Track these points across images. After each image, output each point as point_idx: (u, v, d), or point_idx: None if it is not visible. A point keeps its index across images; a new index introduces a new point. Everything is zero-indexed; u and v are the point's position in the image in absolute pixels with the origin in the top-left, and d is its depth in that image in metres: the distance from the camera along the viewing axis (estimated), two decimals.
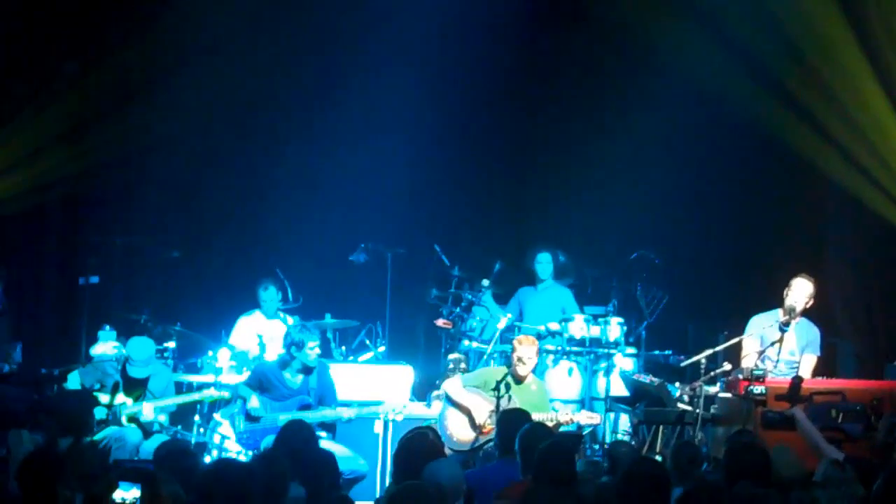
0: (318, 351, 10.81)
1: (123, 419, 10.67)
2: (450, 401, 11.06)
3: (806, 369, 10.83)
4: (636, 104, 13.67)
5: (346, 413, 10.59)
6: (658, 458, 9.99)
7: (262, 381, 10.84)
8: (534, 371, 11.59)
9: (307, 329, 10.97)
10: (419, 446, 7.44)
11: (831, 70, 12.50)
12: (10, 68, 12.44)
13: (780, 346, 10.84)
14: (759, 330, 10.95)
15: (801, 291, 10.89)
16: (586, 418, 11.08)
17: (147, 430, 10.77)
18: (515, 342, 11.08)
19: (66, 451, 6.70)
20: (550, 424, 10.16)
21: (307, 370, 10.78)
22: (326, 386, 10.86)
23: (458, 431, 10.89)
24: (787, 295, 10.90)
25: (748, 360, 10.80)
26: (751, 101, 13.13)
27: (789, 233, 13.51)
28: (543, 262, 13.09)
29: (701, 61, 13.19)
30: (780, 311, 10.94)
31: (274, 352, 12.09)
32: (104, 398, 10.66)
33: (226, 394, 11.03)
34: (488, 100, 14.40)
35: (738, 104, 13.32)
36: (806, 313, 11.02)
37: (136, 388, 10.88)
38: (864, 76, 12.31)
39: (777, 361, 10.86)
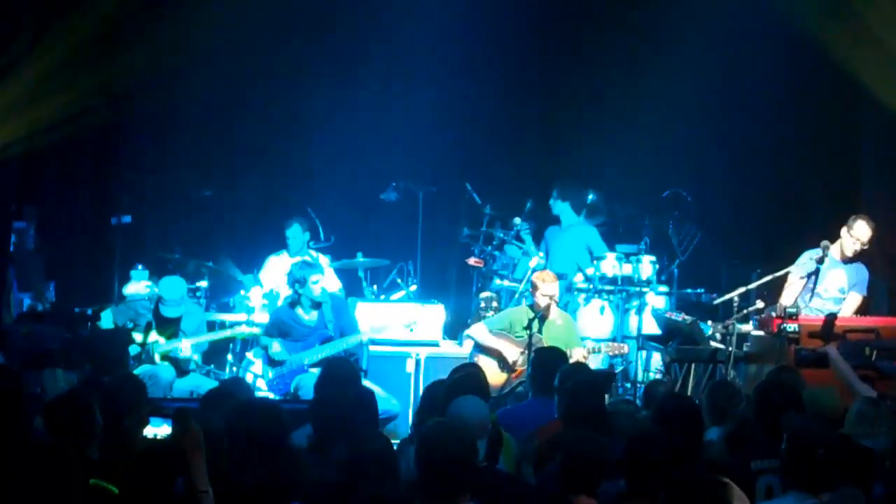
0: (321, 285, 10.84)
1: (156, 357, 10.73)
2: (477, 346, 11.04)
3: (850, 306, 10.78)
4: (668, 40, 13.53)
5: (366, 336, 10.64)
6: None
7: (280, 326, 10.89)
8: (566, 309, 11.60)
9: (308, 265, 11.01)
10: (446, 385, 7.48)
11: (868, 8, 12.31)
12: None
13: (815, 278, 10.77)
14: (807, 265, 10.86)
15: (861, 233, 10.79)
16: (615, 349, 11.07)
17: (181, 368, 10.83)
18: (537, 280, 11.04)
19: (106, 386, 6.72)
20: (578, 358, 10.18)
21: (315, 305, 10.82)
22: (344, 316, 10.91)
23: (489, 376, 10.89)
24: (843, 233, 10.79)
25: (790, 292, 10.73)
26: (784, 34, 13.00)
27: (823, 169, 13.38)
28: (551, 199, 13.00)
29: (734, 3, 13.09)
30: (834, 248, 10.83)
31: None
32: (137, 337, 10.71)
33: (256, 330, 11.09)
34: (519, 37, 14.28)
35: (770, 39, 13.20)
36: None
37: (169, 327, 10.92)
38: None
39: (810, 298, 10.79)
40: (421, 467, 5.54)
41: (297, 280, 10.85)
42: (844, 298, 10.89)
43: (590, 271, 12.38)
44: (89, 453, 5.91)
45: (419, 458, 5.56)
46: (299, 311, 10.89)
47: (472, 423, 6.52)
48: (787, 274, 10.93)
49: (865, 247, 10.85)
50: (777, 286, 11.03)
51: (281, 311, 11.13)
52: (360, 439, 5.97)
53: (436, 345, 11.73)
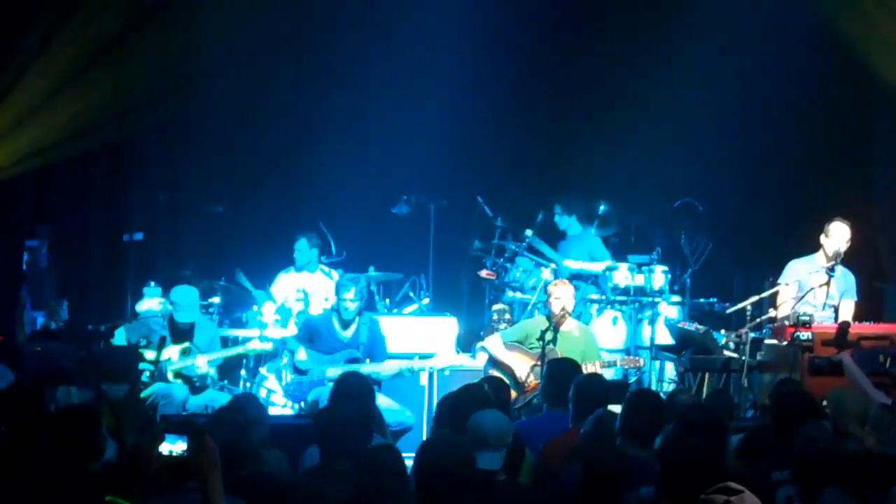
0: (353, 305, 10.80)
1: (169, 375, 10.72)
2: (491, 358, 11.03)
3: (847, 314, 10.77)
4: (679, 50, 13.54)
5: (391, 368, 10.61)
6: None
7: (312, 334, 10.88)
8: (578, 319, 11.58)
9: (343, 282, 11.02)
10: (470, 396, 7.46)
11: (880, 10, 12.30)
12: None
13: (827, 289, 10.77)
14: (798, 276, 10.88)
15: (840, 235, 10.82)
16: (630, 363, 11.06)
17: (195, 385, 10.81)
18: (550, 287, 11.05)
19: (115, 404, 6.73)
20: (592, 369, 10.17)
21: (343, 323, 10.82)
22: (377, 341, 10.89)
23: None
24: (825, 241, 10.82)
25: (785, 308, 10.74)
26: (795, 44, 13.01)
27: (835, 177, 13.36)
28: (556, 215, 13.01)
29: (745, 8, 13.10)
30: (818, 256, 10.87)
31: (317, 305, 12.12)
32: (150, 354, 10.69)
33: (269, 345, 11.08)
34: (529, 48, 14.29)
35: (781, 47, 13.20)
36: (851, 258, 10.94)
37: (182, 338, 10.91)
38: None
39: (823, 306, 10.78)
40: (416, 480, 5.58)
41: (337, 294, 10.91)
42: (834, 306, 10.88)
43: (592, 266, 12.41)
44: (92, 467, 5.92)
45: (414, 472, 5.60)
46: (335, 323, 10.89)
47: (492, 435, 6.52)
48: (782, 287, 10.95)
49: (847, 245, 10.84)
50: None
51: (318, 319, 11.13)
52: (369, 453, 5.96)
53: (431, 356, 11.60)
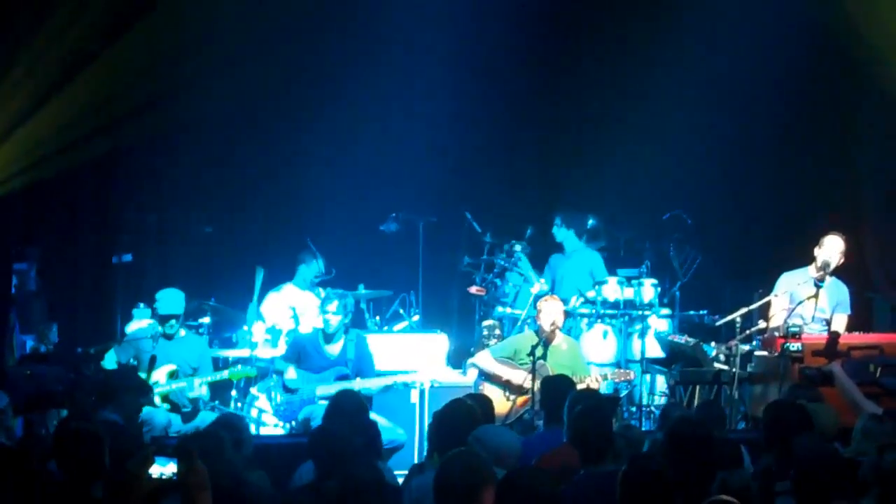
0: (336, 319, 10.78)
1: (157, 399, 10.63)
2: (482, 374, 11.04)
3: (839, 328, 10.78)
4: (665, 64, 13.57)
5: (381, 383, 10.60)
6: None
7: (301, 353, 10.87)
8: (569, 334, 11.59)
9: (327, 295, 11.00)
10: (459, 414, 7.44)
11: (869, 19, 12.33)
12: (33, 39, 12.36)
13: (815, 301, 10.79)
14: (790, 288, 10.90)
15: (833, 248, 10.86)
16: (621, 376, 11.06)
17: (181, 411, 10.71)
18: (540, 304, 11.07)
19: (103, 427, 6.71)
20: (583, 386, 10.17)
21: (327, 337, 10.81)
22: (364, 357, 10.88)
23: (495, 404, 10.86)
24: (818, 252, 10.85)
25: (776, 319, 10.76)
26: (781, 55, 13.05)
27: (823, 189, 13.40)
28: (555, 227, 13.01)
29: (730, 16, 13.13)
30: (810, 269, 10.90)
31: (307, 324, 12.11)
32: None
33: (252, 371, 11.03)
34: (517, 64, 14.32)
35: (767, 60, 13.23)
36: (840, 270, 10.96)
37: (170, 352, 10.80)
38: None
39: (812, 319, 10.80)
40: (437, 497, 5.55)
41: (321, 306, 10.89)
42: (825, 319, 10.90)
43: (590, 294, 12.38)
44: (94, 492, 5.91)
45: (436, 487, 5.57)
46: (323, 343, 10.88)
47: (505, 451, 6.53)
48: (773, 299, 10.97)
49: (841, 259, 10.87)
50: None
51: (305, 338, 11.11)
52: (353, 472, 5.95)
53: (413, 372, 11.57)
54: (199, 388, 10.67)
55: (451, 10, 13.77)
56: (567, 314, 11.60)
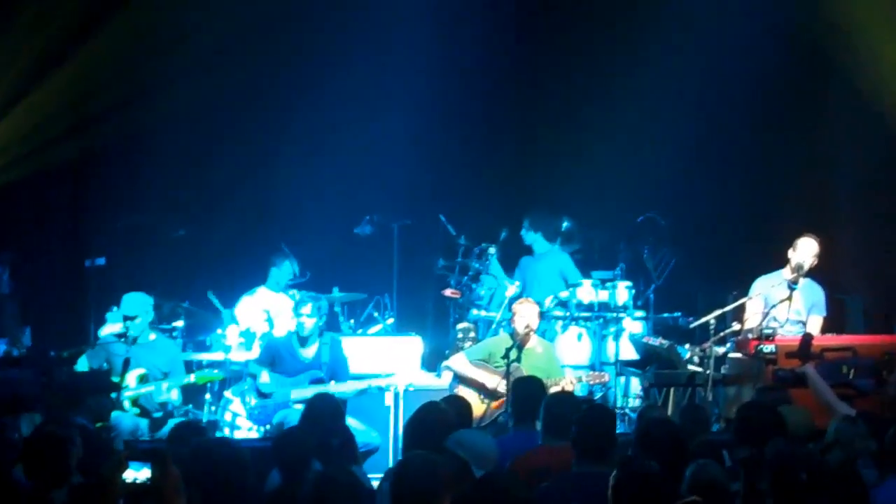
0: (310, 321, 10.75)
1: (126, 403, 10.57)
2: (457, 377, 11.04)
3: (814, 330, 10.82)
4: (639, 65, 13.61)
5: (356, 386, 10.58)
6: None
7: (275, 356, 10.84)
8: (543, 336, 11.60)
9: (301, 298, 10.98)
10: (434, 417, 7.44)
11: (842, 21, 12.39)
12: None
13: (788, 304, 10.82)
14: (764, 290, 10.93)
15: (807, 250, 10.90)
16: (595, 378, 11.07)
17: (151, 416, 10.64)
18: (515, 306, 11.09)
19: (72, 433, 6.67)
20: (566, 386, 10.20)
21: (301, 340, 10.79)
22: (339, 361, 10.86)
23: None
24: (792, 254, 10.90)
25: (751, 322, 10.78)
26: (754, 58, 13.10)
27: (795, 191, 13.45)
28: (523, 230, 13.03)
29: (703, 21, 13.17)
30: (784, 272, 10.94)
31: (281, 327, 12.08)
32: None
33: (218, 375, 10.98)
34: (490, 67, 14.33)
35: (740, 62, 13.28)
36: (812, 272, 11.00)
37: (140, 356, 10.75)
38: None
39: (785, 322, 10.83)
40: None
41: (294, 309, 10.86)
42: (801, 321, 10.94)
43: (563, 294, 12.40)
44: (56, 498, 5.89)
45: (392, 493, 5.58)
46: (298, 346, 10.85)
47: (483, 454, 6.53)
48: (748, 302, 11.00)
49: (814, 261, 10.91)
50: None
51: (280, 341, 11.08)
52: (326, 475, 5.93)
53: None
54: (169, 393, 10.62)
55: (425, 15, 13.78)
56: (542, 315, 11.60)
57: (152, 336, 10.98)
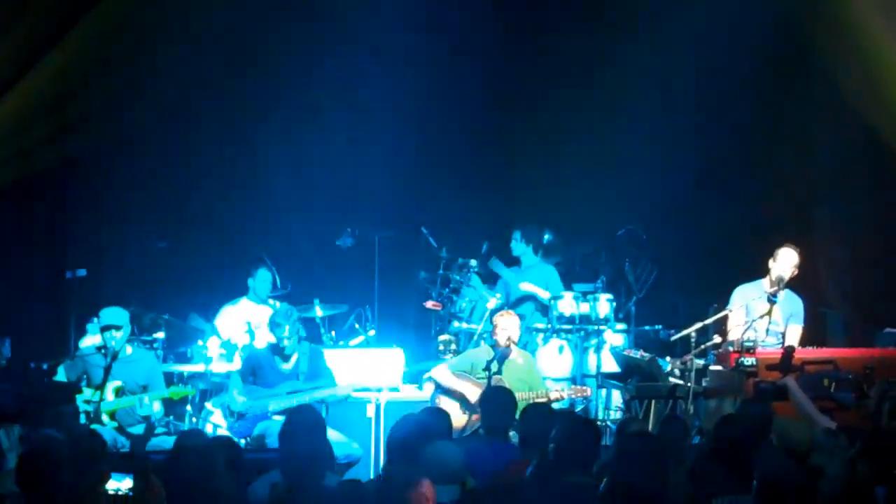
0: (289, 341, 10.72)
1: (104, 417, 10.52)
2: (439, 388, 11.05)
3: (792, 340, 10.85)
4: (621, 80, 13.63)
5: (341, 391, 10.57)
6: None
7: (255, 368, 10.82)
8: (524, 348, 11.61)
9: (276, 320, 10.89)
10: (411, 429, 7.43)
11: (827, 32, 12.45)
12: None
13: (769, 317, 10.85)
14: (745, 301, 10.95)
15: (787, 261, 10.92)
16: (577, 392, 11.08)
17: (126, 431, 10.59)
18: (496, 318, 11.12)
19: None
20: (542, 401, 10.20)
21: (284, 357, 10.75)
22: (322, 371, 10.82)
23: (452, 418, 10.86)
24: (772, 265, 10.92)
25: (735, 333, 10.80)
26: (736, 70, 13.16)
27: (776, 204, 13.48)
28: (514, 241, 13.05)
29: (686, 31, 13.21)
30: (764, 282, 10.96)
31: (262, 338, 12.06)
32: (87, 393, 10.52)
33: (190, 391, 10.95)
34: (472, 79, 14.33)
35: (721, 74, 13.33)
36: (793, 284, 11.03)
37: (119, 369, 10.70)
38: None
39: (766, 333, 10.86)
40: None
41: (275, 325, 10.80)
42: (780, 332, 10.97)
43: (545, 294, 12.44)
44: None
45: None
46: (277, 359, 10.82)
47: (453, 468, 6.53)
48: (729, 313, 11.02)
49: (794, 272, 10.94)
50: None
51: (260, 353, 11.05)
52: (329, 489, 5.94)
53: (396, 390, 11.70)
54: (151, 405, 10.58)
55: (408, 28, 13.78)
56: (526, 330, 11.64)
57: (129, 349, 10.93)
